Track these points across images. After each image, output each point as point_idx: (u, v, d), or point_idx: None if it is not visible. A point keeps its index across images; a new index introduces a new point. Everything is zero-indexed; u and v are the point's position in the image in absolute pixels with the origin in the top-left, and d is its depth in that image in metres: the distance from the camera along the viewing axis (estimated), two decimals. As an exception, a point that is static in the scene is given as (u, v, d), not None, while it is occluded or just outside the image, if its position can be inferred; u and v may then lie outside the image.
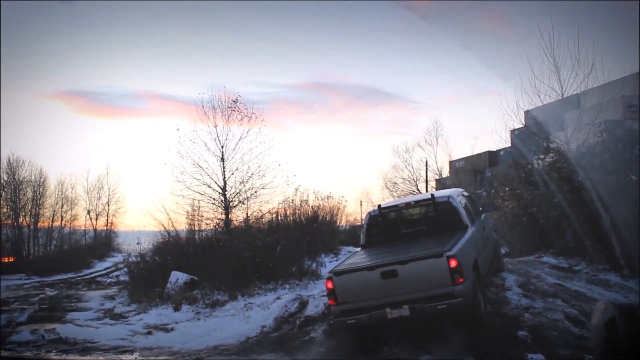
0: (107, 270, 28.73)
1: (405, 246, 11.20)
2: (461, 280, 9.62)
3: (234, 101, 25.04)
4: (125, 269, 21.55)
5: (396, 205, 13.11)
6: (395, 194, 43.43)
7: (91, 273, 34.96)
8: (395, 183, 44.48)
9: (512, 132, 27.07)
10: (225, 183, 24.94)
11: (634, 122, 25.95)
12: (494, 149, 38.63)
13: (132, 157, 73.87)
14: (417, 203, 12.94)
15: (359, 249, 12.31)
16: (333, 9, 47.55)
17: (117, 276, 24.26)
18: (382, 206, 12.68)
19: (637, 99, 29.28)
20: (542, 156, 19.34)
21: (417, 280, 9.76)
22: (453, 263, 9.65)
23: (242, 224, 24.24)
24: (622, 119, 27.00)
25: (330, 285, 10.20)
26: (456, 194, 12.82)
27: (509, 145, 29.67)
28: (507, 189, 20.71)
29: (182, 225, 23.54)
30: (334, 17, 48.58)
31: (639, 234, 12.03)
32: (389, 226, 12.32)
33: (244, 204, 25.22)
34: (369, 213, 12.93)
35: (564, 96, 21.58)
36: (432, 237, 11.33)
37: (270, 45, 46.88)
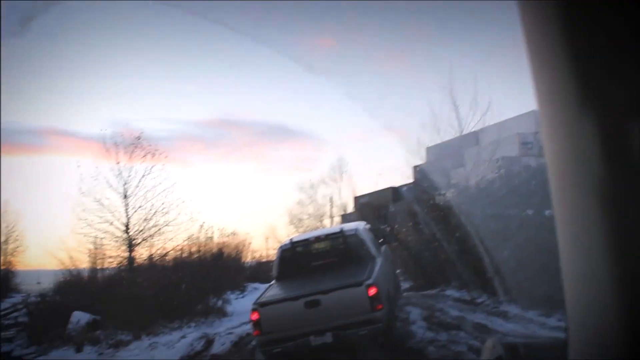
0: (5, 312, 27.48)
1: (320, 277, 11.82)
2: (380, 306, 10.46)
3: (137, 137, 24.81)
4: (24, 310, 20.71)
5: (307, 239, 13.77)
6: (300, 230, 43.58)
7: (-14, 315, 33.32)
8: (301, 219, 44.61)
9: (415, 168, 27.75)
10: (128, 220, 24.50)
11: (530, 158, 27.04)
12: (397, 185, 39.42)
13: (32, 194, 71.15)
14: (327, 236, 13.63)
15: (267, 284, 12.91)
16: (235, 47, 47.71)
17: (16, 317, 23.22)
18: (293, 240, 13.57)
19: (533, 136, 30.54)
20: (444, 192, 19.88)
21: (338, 309, 10.43)
22: (372, 291, 10.44)
23: (146, 261, 23.83)
24: (518, 156, 28.06)
25: (255, 316, 10.73)
26: (362, 227, 13.86)
27: (412, 181, 30.35)
28: (410, 224, 21.13)
29: (84, 263, 22.97)
30: (237, 55, 48.69)
31: (530, 268, 12.51)
32: (300, 259, 12.88)
33: (147, 241, 24.82)
34: (281, 247, 13.60)
35: (463, 133, 22.34)
36: (343, 268, 12.04)
37: (175, 82, 46.49)
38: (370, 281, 10.62)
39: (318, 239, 13.68)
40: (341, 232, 13.31)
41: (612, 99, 1.12)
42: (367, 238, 13.23)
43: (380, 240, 14.65)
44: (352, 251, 12.68)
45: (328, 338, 10.44)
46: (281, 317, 10.72)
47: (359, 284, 10.57)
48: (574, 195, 1.27)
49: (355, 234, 13.16)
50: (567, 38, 1.17)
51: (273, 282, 12.87)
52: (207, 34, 44.44)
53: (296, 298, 10.85)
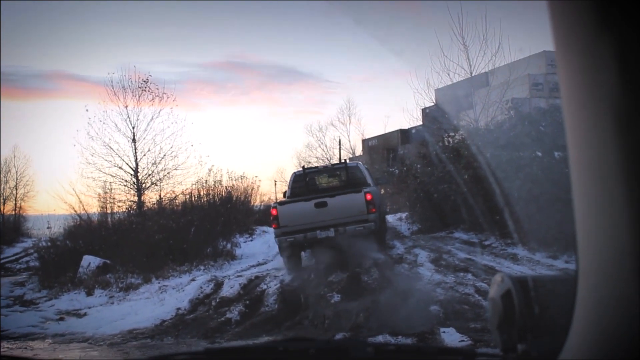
0: (16, 256, 27.72)
1: (326, 193, 14.72)
2: (374, 210, 13.83)
3: (144, 81, 24.63)
4: (35, 255, 20.87)
5: (317, 167, 17.67)
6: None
7: (-1, 259, 33.74)
8: (309, 162, 44.66)
9: (424, 110, 27.54)
10: (137, 164, 24.50)
11: (540, 99, 26.82)
12: (406, 128, 39.25)
13: (42, 139, 71.29)
14: (333, 166, 16.95)
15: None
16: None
17: (27, 262, 23.43)
18: (305, 167, 16.88)
19: (543, 77, 30.26)
20: (452, 134, 19.76)
21: (341, 209, 13.69)
22: (368, 197, 13.81)
23: (155, 205, 23.89)
24: (528, 97, 27.83)
25: (274, 212, 14.04)
26: (362, 163, 17.38)
27: (421, 123, 30.19)
28: (418, 166, 21.08)
29: (93, 208, 23.03)
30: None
31: (538, 210, 12.45)
32: (310, 182, 15.90)
33: (156, 185, 24.86)
34: (294, 173, 16.87)
35: (473, 74, 22.07)
36: (345, 188, 14.97)
37: (183, 25, 46.01)
38: (367, 189, 14.14)
39: (326, 167, 17.18)
40: (345, 164, 16.89)
41: (632, 29, 1.05)
42: (365, 171, 16.33)
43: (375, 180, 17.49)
44: (353, 179, 15.58)
45: (331, 232, 13.58)
46: (295, 214, 13.88)
47: (359, 191, 13.95)
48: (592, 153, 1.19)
49: (356, 166, 16.69)
50: None
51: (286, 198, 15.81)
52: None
53: (308, 199, 14.01)
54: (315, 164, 44.68)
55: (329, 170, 16.72)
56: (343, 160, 18.26)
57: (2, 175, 47.58)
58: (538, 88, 30.27)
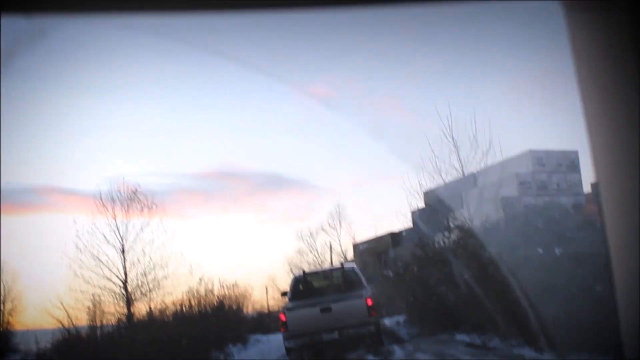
0: (4, 373, 26.82)
1: (325, 296, 16.27)
2: (374, 314, 15.54)
3: (133, 192, 24.59)
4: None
5: (316, 271, 20.43)
6: (300, 279, 43.24)
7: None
8: (301, 268, 44.25)
9: (413, 213, 27.58)
10: (126, 275, 24.14)
11: (529, 197, 26.99)
12: (397, 231, 39.28)
13: (30, 253, 70.38)
14: (331, 270, 18.75)
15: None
16: (232, 97, 47.94)
17: (14, 379, 22.74)
18: (305, 271, 18.73)
19: (530, 176, 30.59)
20: (447, 233, 19.65)
21: (345, 314, 15.14)
22: (369, 302, 15.42)
23: (146, 317, 23.42)
24: (518, 196, 28.00)
25: (283, 317, 15.54)
26: (356, 266, 19.21)
27: (411, 226, 30.18)
28: (415, 268, 20.83)
29: (82, 321, 22.50)
30: (232, 105, 48.86)
31: (543, 308, 12.20)
32: (309, 285, 17.28)
33: (146, 296, 24.42)
34: (295, 276, 18.59)
35: (465, 174, 22.24)
36: (343, 292, 16.45)
37: (171, 137, 46.34)
38: (368, 295, 15.76)
39: (324, 271, 19.21)
40: (342, 267, 18.66)
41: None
42: (360, 274, 17.74)
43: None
44: (349, 282, 17.04)
45: (336, 335, 15.04)
46: (301, 319, 15.26)
47: (361, 296, 15.57)
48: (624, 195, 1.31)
49: (352, 269, 18.16)
50: None
51: (288, 301, 17.13)
52: (201, 87, 44.58)
53: (314, 305, 15.53)
54: (307, 269, 44.49)
55: (327, 273, 18.43)
56: (340, 264, 20.35)
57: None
58: (526, 186, 30.50)
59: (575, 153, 30.98)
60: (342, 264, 19.95)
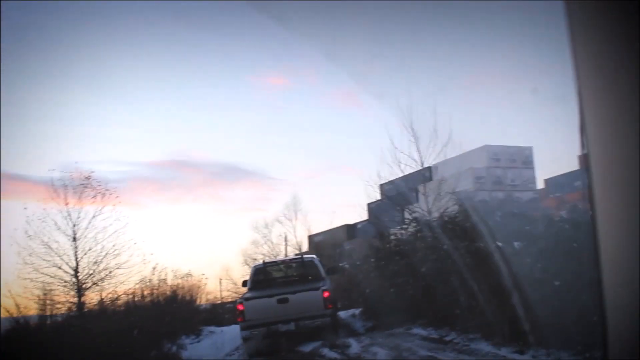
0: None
1: (285, 287, 16.88)
2: (330, 306, 15.95)
3: (86, 178, 23.99)
4: (-33, 363, 19.53)
5: (275, 261, 20.36)
6: (254, 270, 43.04)
7: None
8: (255, 259, 44.01)
9: (369, 204, 27.51)
10: (77, 264, 23.56)
11: (484, 192, 27.19)
12: (352, 223, 39.30)
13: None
14: (291, 260, 19.41)
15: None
16: (189, 86, 47.31)
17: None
18: (265, 261, 19.32)
19: (485, 171, 30.82)
20: (405, 226, 19.57)
21: (301, 305, 15.51)
22: (326, 294, 15.79)
23: (97, 306, 22.91)
24: (473, 190, 28.16)
25: (241, 307, 15.73)
26: (316, 257, 19.45)
27: (367, 218, 30.10)
28: (372, 260, 20.71)
29: (31, 310, 21.87)
30: (189, 95, 48.19)
31: (505, 301, 12.12)
32: (269, 275, 18.08)
33: (98, 285, 23.88)
34: (255, 266, 19.01)
35: (424, 166, 22.23)
36: (301, 282, 17.08)
37: (126, 124, 45.56)
38: (325, 287, 16.08)
39: (284, 262, 19.71)
40: (302, 258, 19.23)
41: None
42: (320, 265, 18.21)
43: (327, 269, 19.21)
44: (309, 273, 17.66)
45: (292, 326, 15.42)
46: (259, 309, 15.50)
47: (317, 289, 15.92)
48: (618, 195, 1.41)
49: (311, 260, 18.57)
50: None
51: (247, 291, 17.42)
52: (158, 75, 43.92)
53: (272, 295, 15.77)
54: (266, 260, 44.53)
55: (287, 264, 19.25)
56: (300, 255, 20.99)
57: None
58: (481, 181, 30.76)
59: (530, 149, 31.38)
60: (302, 255, 20.73)
